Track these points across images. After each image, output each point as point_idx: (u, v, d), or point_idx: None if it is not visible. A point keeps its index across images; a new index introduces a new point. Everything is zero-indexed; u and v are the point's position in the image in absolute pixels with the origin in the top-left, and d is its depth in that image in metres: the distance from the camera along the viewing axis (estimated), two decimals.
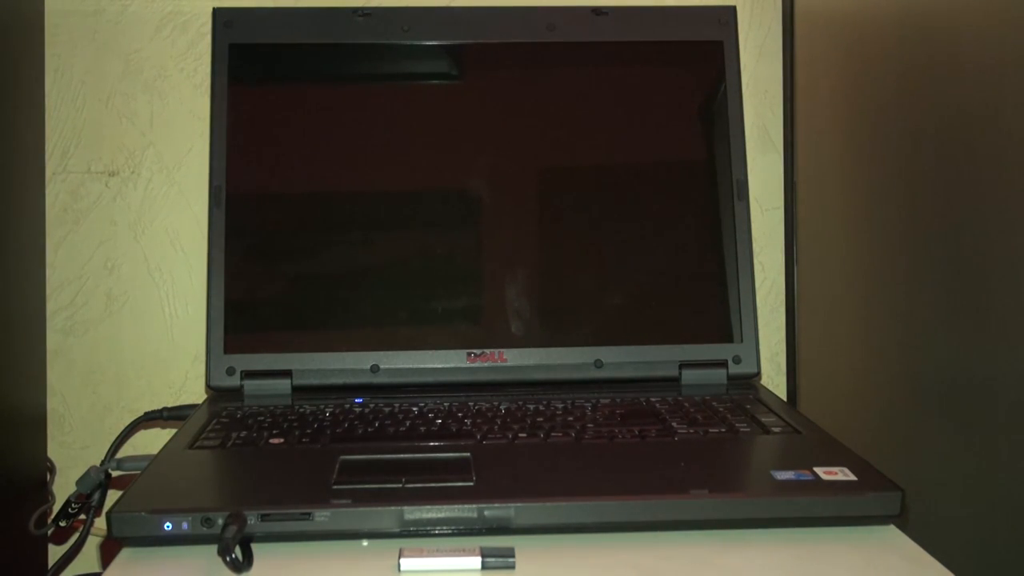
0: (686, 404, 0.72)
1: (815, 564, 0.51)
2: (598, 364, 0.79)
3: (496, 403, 0.72)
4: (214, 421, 0.69)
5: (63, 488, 0.90)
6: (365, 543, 0.54)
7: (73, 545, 0.89)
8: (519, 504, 0.54)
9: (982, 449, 0.62)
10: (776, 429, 0.67)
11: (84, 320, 0.94)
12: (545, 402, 0.72)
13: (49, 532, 0.83)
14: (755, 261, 0.84)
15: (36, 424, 0.89)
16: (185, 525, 0.53)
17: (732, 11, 0.85)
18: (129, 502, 0.54)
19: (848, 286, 0.82)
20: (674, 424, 0.67)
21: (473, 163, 0.82)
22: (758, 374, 0.80)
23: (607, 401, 0.73)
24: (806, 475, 0.57)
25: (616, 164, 0.83)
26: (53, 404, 0.94)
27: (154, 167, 0.94)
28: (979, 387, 0.63)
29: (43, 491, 0.86)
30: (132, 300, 0.95)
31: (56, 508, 0.76)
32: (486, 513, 0.54)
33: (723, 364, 0.79)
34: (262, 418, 0.70)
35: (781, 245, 0.96)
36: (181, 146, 0.95)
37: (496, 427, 0.66)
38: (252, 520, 0.53)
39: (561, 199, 0.83)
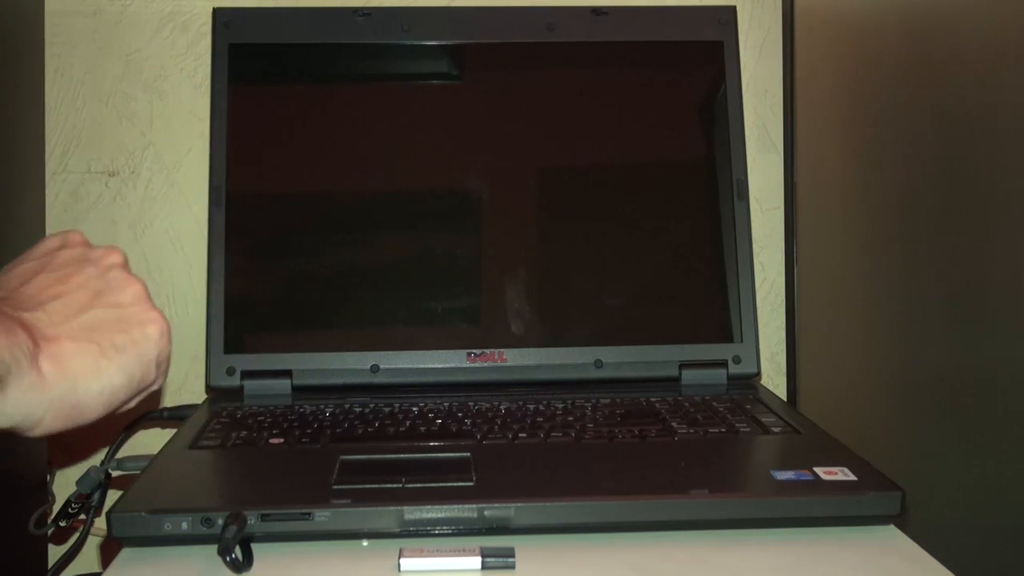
0: (686, 404, 0.72)
1: (815, 564, 0.51)
2: (598, 364, 0.79)
3: (496, 403, 0.72)
4: (214, 421, 0.69)
5: (63, 488, 0.90)
6: (365, 543, 0.54)
7: (73, 545, 0.89)
8: (519, 504, 0.54)
9: (982, 449, 0.62)
10: (776, 429, 0.67)
11: None
12: (545, 402, 0.72)
13: (49, 532, 0.83)
14: (755, 261, 0.84)
15: None
16: (185, 525, 0.53)
17: (732, 11, 0.85)
18: (129, 502, 0.54)
19: (848, 286, 0.82)
20: (674, 424, 0.67)
21: (473, 163, 0.82)
22: (758, 374, 0.80)
23: (607, 401, 0.73)
24: (806, 475, 0.57)
25: (616, 164, 0.83)
26: None
27: (154, 167, 0.94)
28: (979, 387, 0.63)
29: (43, 491, 0.86)
30: None
31: (56, 508, 0.76)
32: (486, 513, 0.54)
33: (723, 364, 0.79)
34: (262, 418, 0.70)
35: (781, 245, 0.96)
36: (181, 146, 0.95)
37: (496, 427, 0.66)
38: (252, 520, 0.53)
39: (561, 199, 0.83)
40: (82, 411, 0.48)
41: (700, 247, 0.82)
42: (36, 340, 0.46)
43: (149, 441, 0.92)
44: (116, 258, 0.54)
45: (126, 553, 0.54)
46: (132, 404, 0.54)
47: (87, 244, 0.54)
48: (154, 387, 0.55)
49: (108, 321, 0.50)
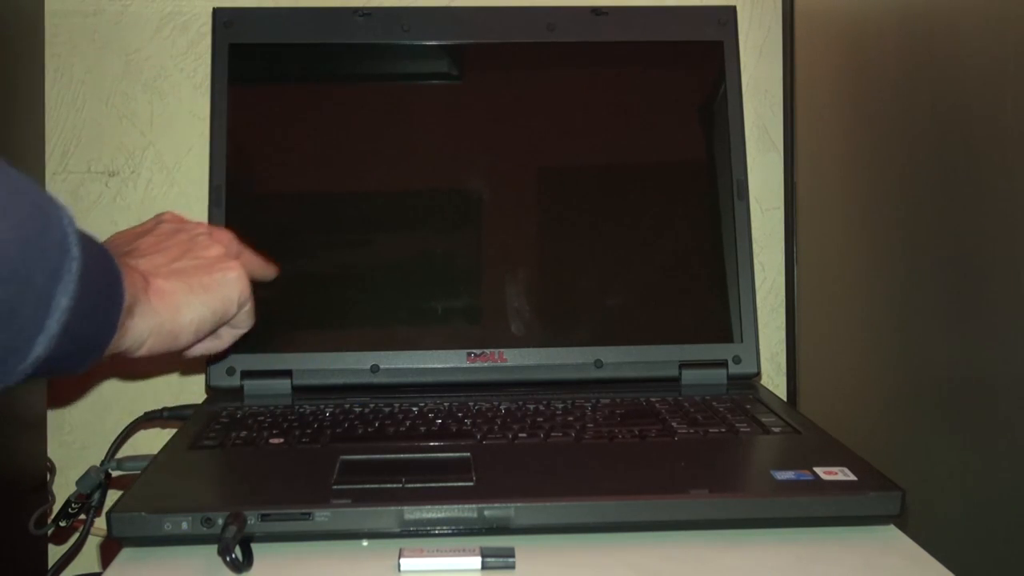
0: (686, 404, 0.72)
1: (815, 564, 0.51)
2: (598, 364, 0.79)
3: (496, 403, 0.72)
4: (214, 421, 0.69)
5: (63, 488, 0.90)
6: (365, 543, 0.54)
7: (73, 545, 0.89)
8: (519, 504, 0.54)
9: (982, 449, 0.62)
10: (776, 429, 0.67)
11: None
12: (545, 402, 0.72)
13: (49, 532, 0.83)
14: (755, 261, 0.84)
15: (36, 424, 0.89)
16: (185, 525, 0.53)
17: (732, 11, 0.85)
18: (129, 502, 0.54)
19: (848, 286, 0.82)
20: (674, 424, 0.67)
21: (473, 163, 0.82)
22: (758, 374, 0.80)
23: (607, 401, 0.73)
24: (806, 475, 0.57)
25: (616, 164, 0.83)
26: (53, 404, 0.94)
27: (154, 167, 0.94)
28: (979, 387, 0.63)
29: (43, 491, 0.86)
30: None
31: (56, 508, 0.76)
32: (486, 513, 0.54)
33: (723, 364, 0.79)
34: (262, 418, 0.70)
35: (781, 245, 0.96)
36: (181, 146, 0.95)
37: (496, 427, 0.66)
38: (252, 520, 0.53)
39: (561, 199, 0.83)
40: (176, 337, 0.59)
41: (700, 247, 0.82)
42: (146, 277, 0.58)
43: (149, 441, 0.92)
44: (203, 228, 0.67)
45: (126, 553, 0.54)
46: (223, 340, 0.67)
47: (181, 219, 0.67)
48: (239, 325, 0.67)
49: (193, 267, 0.62)
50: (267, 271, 0.72)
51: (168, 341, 0.59)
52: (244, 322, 0.67)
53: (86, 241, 0.48)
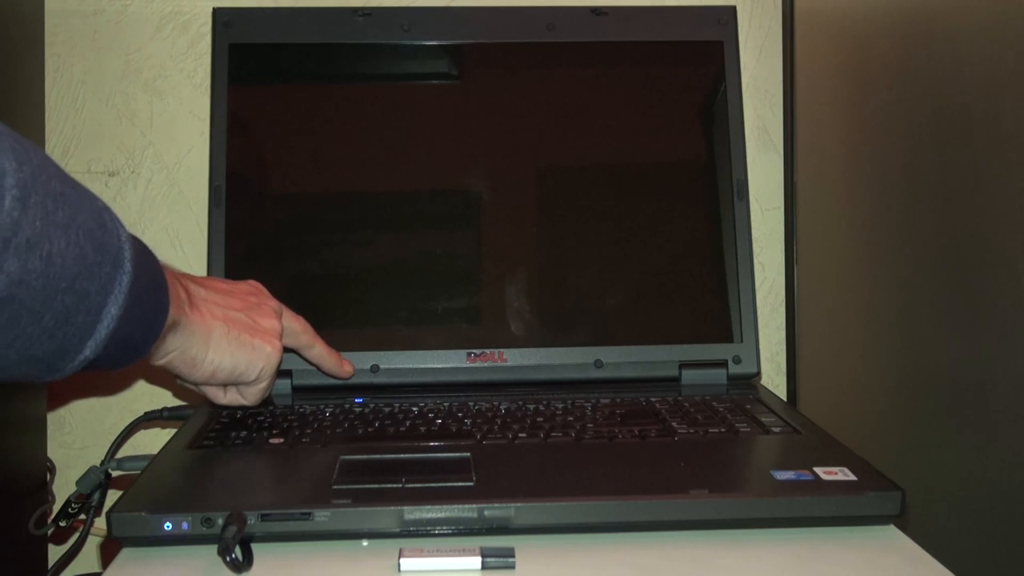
0: (686, 404, 0.72)
1: (815, 564, 0.51)
2: (598, 364, 0.79)
3: (496, 403, 0.72)
4: (214, 421, 0.69)
5: (63, 488, 0.90)
6: (365, 543, 0.54)
7: (73, 545, 0.89)
8: (519, 504, 0.54)
9: (982, 449, 0.62)
10: (776, 429, 0.67)
11: None
12: (545, 402, 0.72)
13: (49, 532, 0.83)
14: (755, 261, 0.84)
15: (36, 424, 0.89)
16: (185, 525, 0.53)
17: (732, 11, 0.85)
18: (129, 502, 0.54)
19: (848, 286, 0.82)
20: (674, 424, 0.67)
21: (473, 163, 0.82)
22: (758, 374, 0.80)
23: (607, 401, 0.73)
24: (806, 475, 0.57)
25: (616, 164, 0.83)
26: (53, 404, 0.94)
27: (154, 167, 0.94)
28: (979, 387, 0.63)
29: (43, 491, 0.86)
30: None
31: (56, 508, 0.76)
32: (486, 513, 0.54)
33: (723, 364, 0.79)
34: (262, 418, 0.70)
35: (781, 245, 0.96)
36: (181, 146, 0.95)
37: (496, 427, 0.66)
38: (252, 520, 0.53)
39: (561, 199, 0.83)
40: (194, 367, 0.62)
41: (700, 247, 0.82)
42: (191, 299, 0.61)
43: (149, 441, 0.92)
44: (277, 304, 0.70)
45: (126, 553, 0.54)
46: (226, 397, 0.69)
47: (264, 291, 0.71)
48: (246, 396, 0.69)
49: (243, 322, 0.65)
50: (341, 369, 0.75)
51: (186, 365, 0.62)
52: (253, 396, 0.69)
53: (138, 252, 0.52)
